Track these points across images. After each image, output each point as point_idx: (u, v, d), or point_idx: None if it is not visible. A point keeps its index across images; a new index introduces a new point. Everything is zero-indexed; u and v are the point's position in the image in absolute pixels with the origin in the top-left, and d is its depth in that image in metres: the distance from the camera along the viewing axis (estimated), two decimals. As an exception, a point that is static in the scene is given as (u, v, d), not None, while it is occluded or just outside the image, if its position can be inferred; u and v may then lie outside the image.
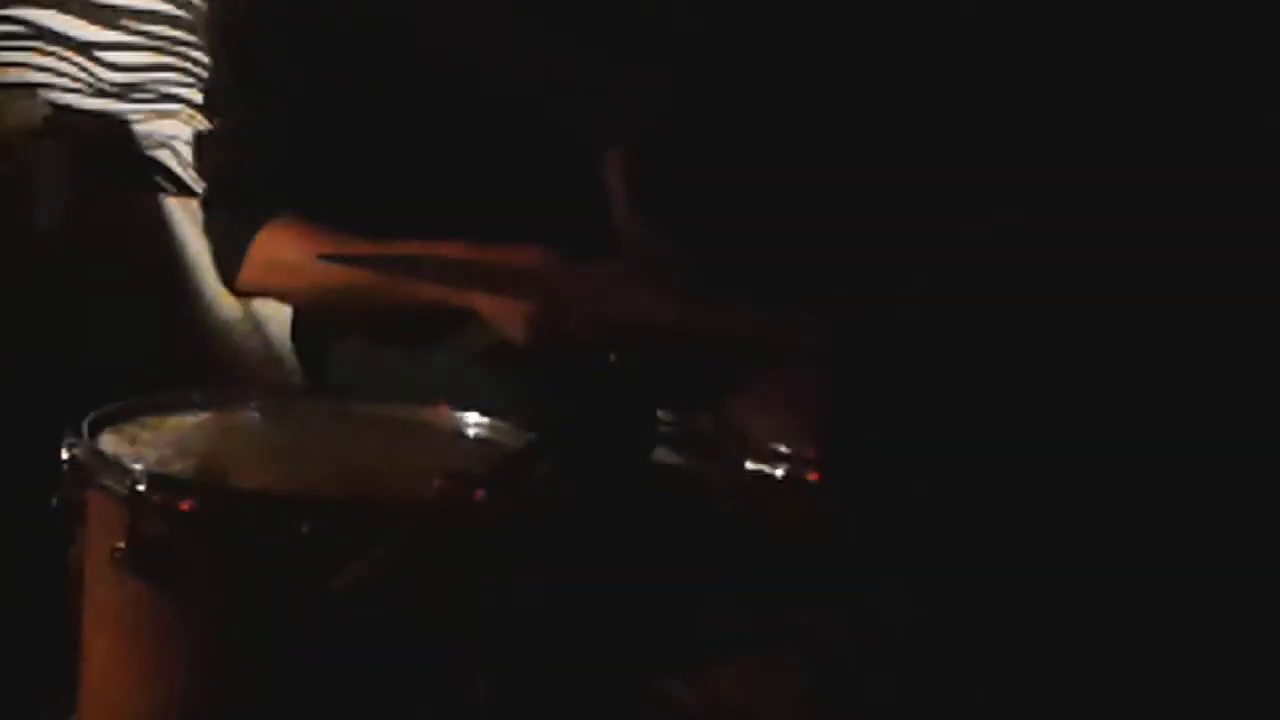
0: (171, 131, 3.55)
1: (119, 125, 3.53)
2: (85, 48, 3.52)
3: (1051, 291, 1.40)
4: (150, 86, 3.51)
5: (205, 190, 2.66)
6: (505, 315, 2.35)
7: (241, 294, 2.64)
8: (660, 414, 2.24)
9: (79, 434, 2.12)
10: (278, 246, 2.53)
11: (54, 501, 2.10)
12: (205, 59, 2.96)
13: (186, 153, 3.50)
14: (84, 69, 3.52)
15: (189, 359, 3.35)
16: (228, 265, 2.57)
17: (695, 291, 2.23)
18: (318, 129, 2.54)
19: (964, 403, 1.42)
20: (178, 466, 2.09)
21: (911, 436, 1.45)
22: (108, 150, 3.52)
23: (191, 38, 3.48)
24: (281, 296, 2.66)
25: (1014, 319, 1.40)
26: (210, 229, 2.63)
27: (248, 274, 2.56)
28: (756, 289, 2.16)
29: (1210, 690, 1.51)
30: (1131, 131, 1.31)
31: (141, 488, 2.01)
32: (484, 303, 2.37)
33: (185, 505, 2.01)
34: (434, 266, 2.31)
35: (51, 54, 3.54)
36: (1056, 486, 1.41)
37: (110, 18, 3.55)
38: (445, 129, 2.57)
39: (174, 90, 3.51)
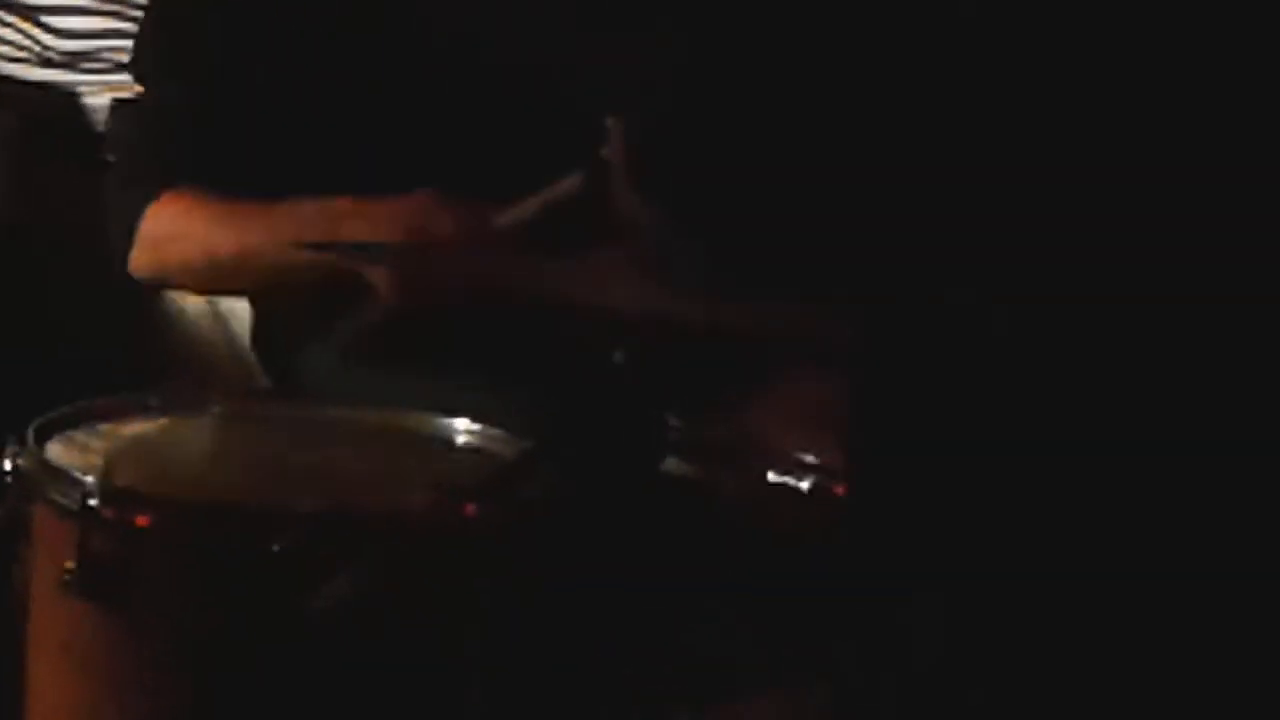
0: (124, 105, 3.50)
1: (67, 97, 3.48)
2: (31, 12, 3.47)
3: (1078, 291, 1.47)
4: (103, 55, 3.48)
5: (112, 159, 2.61)
6: (378, 274, 2.31)
7: (144, 279, 2.55)
8: (670, 420, 2.19)
9: (23, 442, 2.06)
10: (169, 220, 2.46)
11: (-6, 517, 2.07)
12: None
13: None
14: (28, 35, 3.51)
15: (145, 354, 3.33)
16: (120, 245, 2.50)
17: (705, 285, 2.19)
18: (269, 103, 2.47)
19: (997, 407, 1.42)
20: (134, 478, 2.01)
21: (941, 443, 1.43)
22: (56, 125, 3.47)
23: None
24: (180, 280, 2.58)
25: (1045, 320, 1.46)
26: (109, 204, 2.56)
27: (141, 254, 2.48)
28: (772, 285, 2.11)
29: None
30: (1132, 131, 1.30)
31: (93, 502, 1.95)
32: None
33: (142, 520, 1.96)
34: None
35: (-6, 20, 3.49)
36: (1093, 492, 1.43)
37: (58, -21, 3.61)
38: (433, 107, 2.51)
39: (127, 59, 3.46)
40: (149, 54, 2.59)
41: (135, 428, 2.20)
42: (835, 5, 2.14)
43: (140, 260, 2.47)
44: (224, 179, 2.44)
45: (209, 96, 2.48)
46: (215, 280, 2.54)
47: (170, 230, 2.45)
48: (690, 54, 2.54)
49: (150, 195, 2.45)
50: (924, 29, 1.54)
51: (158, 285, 2.64)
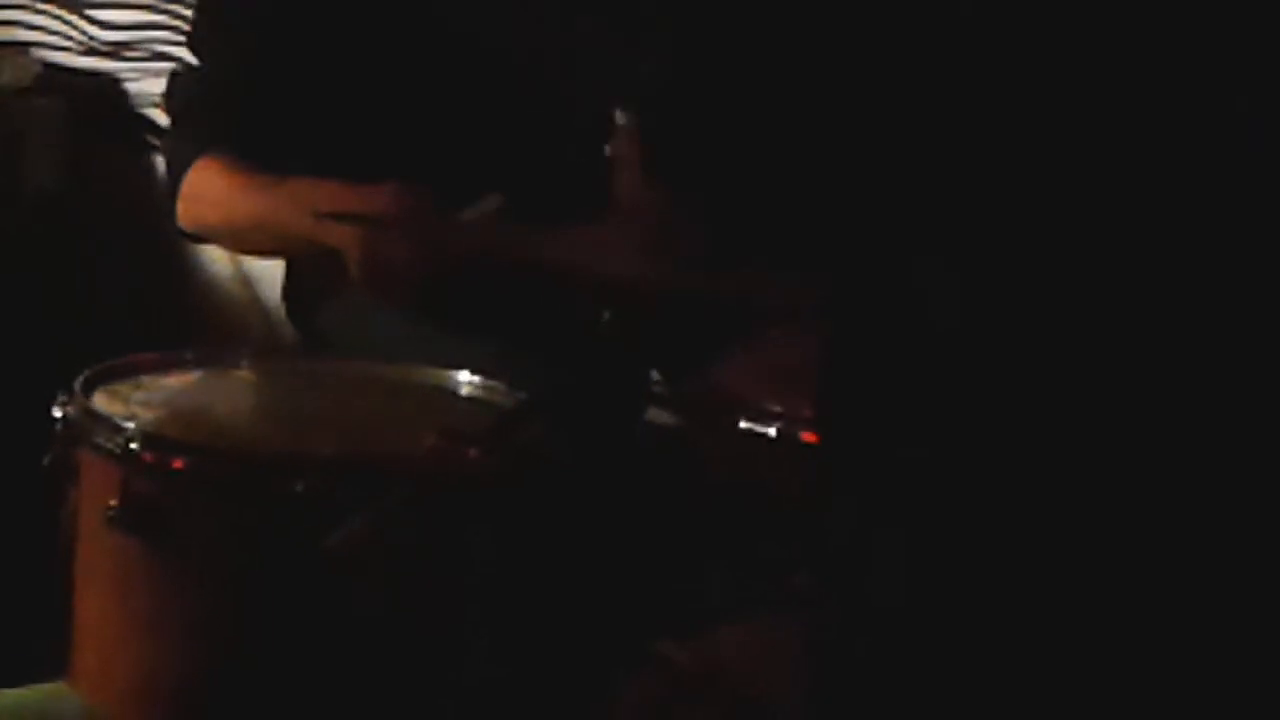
0: (163, 90, 3.51)
1: (111, 83, 3.50)
2: (76, 6, 3.49)
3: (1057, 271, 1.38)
4: (141, 45, 3.48)
5: (168, 128, 2.67)
6: (349, 249, 2.35)
7: (188, 235, 2.63)
8: (653, 374, 2.21)
9: (72, 393, 2.09)
10: (201, 182, 2.52)
11: (46, 460, 2.08)
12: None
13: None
14: (75, 27, 3.51)
15: (182, 317, 3.35)
16: (169, 200, 2.57)
17: (702, 256, 2.16)
18: (298, 83, 2.53)
19: (970, 371, 1.41)
20: (171, 426, 2.08)
21: (913, 401, 1.43)
22: (100, 109, 3.49)
23: (183, -5, 3.47)
24: (210, 237, 2.65)
25: (1021, 293, 1.38)
26: (165, 168, 2.63)
27: (183, 209, 2.55)
28: (759, 255, 2.13)
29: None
30: (1130, 130, 1.29)
31: (135, 446, 1.99)
32: (338, 238, 2.37)
33: (178, 464, 2.00)
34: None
35: (43, 12, 3.52)
36: (1062, 455, 1.37)
37: (101, -24, 3.53)
38: (438, 90, 2.56)
39: (165, 49, 3.49)
40: (203, 30, 2.63)
41: (172, 381, 2.24)
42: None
43: (181, 215, 2.54)
44: (259, 147, 2.49)
45: (251, 72, 2.53)
46: (233, 240, 2.63)
47: (202, 192, 2.51)
48: (684, 39, 2.59)
49: (192, 158, 2.51)
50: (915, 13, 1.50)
51: (198, 239, 2.68)
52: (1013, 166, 1.35)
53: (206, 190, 2.51)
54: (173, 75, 2.69)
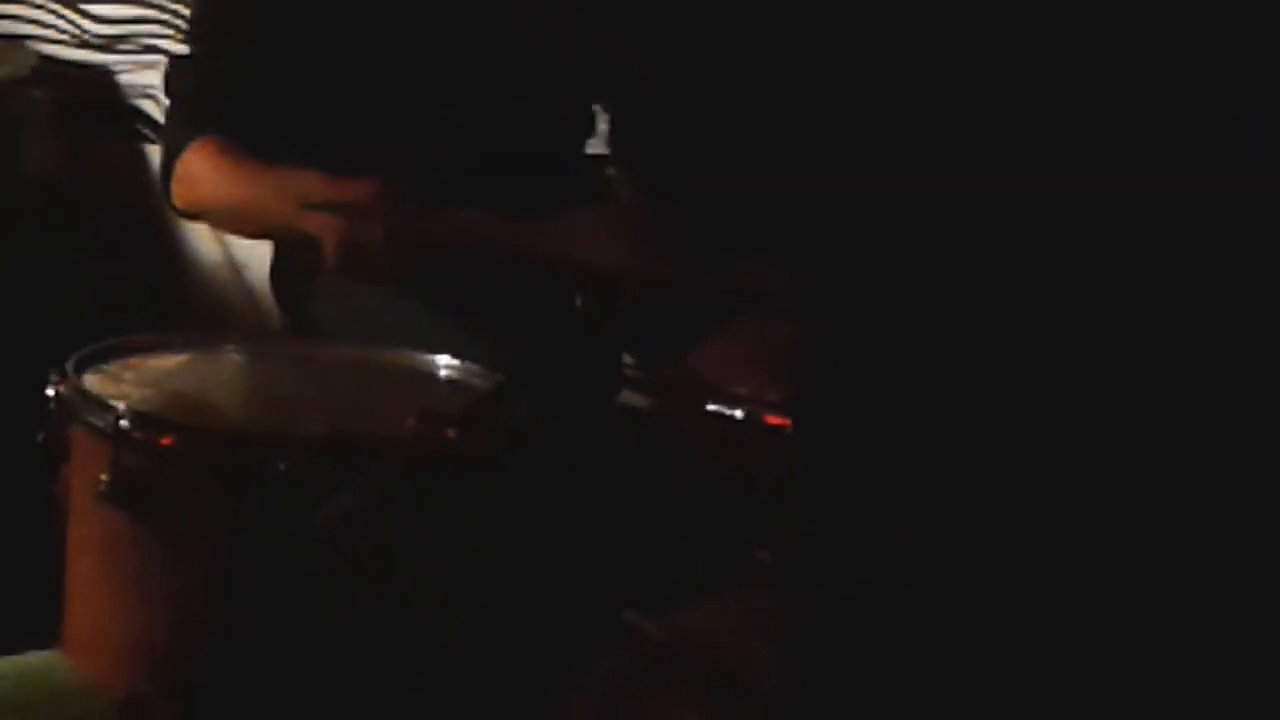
0: (154, 82, 3.52)
1: (104, 76, 3.51)
2: (71, 1, 3.50)
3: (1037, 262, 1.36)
4: (134, 38, 3.49)
5: (166, 111, 2.67)
6: (324, 235, 2.35)
7: (183, 214, 2.63)
8: (625, 358, 2.21)
9: (64, 373, 2.11)
10: (195, 165, 2.53)
11: (40, 437, 2.09)
12: (188, 12, 2.95)
13: (169, 103, 3.50)
14: (70, 21, 3.51)
15: (171, 301, 3.35)
16: (164, 181, 2.58)
17: (676, 246, 2.19)
18: (294, 73, 2.55)
19: (948, 359, 1.40)
20: (159, 405, 2.08)
21: (886, 387, 1.42)
22: (93, 100, 3.50)
23: (174, -10, 3.47)
24: (203, 218, 2.66)
25: (995, 281, 1.37)
26: (160, 150, 2.63)
27: (178, 190, 2.56)
28: (734, 243, 2.13)
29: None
30: (1128, 129, 1.28)
31: (124, 424, 2.00)
32: (313, 225, 2.37)
33: (166, 441, 2.01)
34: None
35: (39, 6, 3.53)
36: (1032, 440, 1.37)
37: (95, -29, 3.54)
38: (426, 83, 2.57)
39: (157, 42, 3.50)
40: (202, 19, 2.64)
41: (161, 362, 2.24)
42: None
43: (175, 195, 2.55)
44: (253, 134, 2.51)
45: (248, 60, 2.54)
46: (222, 222, 2.65)
47: (194, 175, 2.51)
48: (669, 37, 2.58)
49: (188, 141, 2.52)
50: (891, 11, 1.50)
51: (190, 217, 2.67)
52: (998, 155, 1.35)
53: (199, 173, 2.52)
54: (172, 61, 2.69)
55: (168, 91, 2.64)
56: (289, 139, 2.51)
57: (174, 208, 2.59)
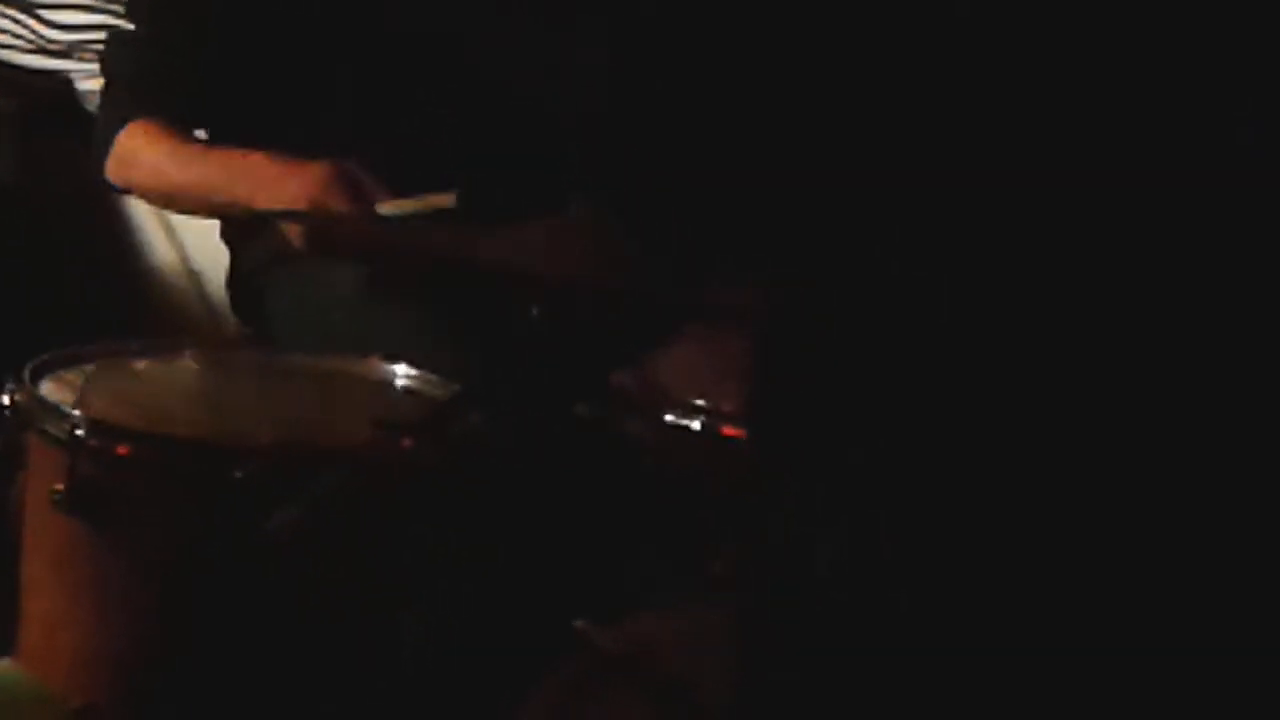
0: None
1: (62, 83, 3.49)
2: (28, 7, 3.48)
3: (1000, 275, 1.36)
4: (92, 45, 3.47)
5: (103, 82, 2.69)
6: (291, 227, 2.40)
7: (114, 187, 2.65)
8: (583, 368, 2.21)
9: (21, 380, 2.10)
10: (133, 144, 2.56)
11: (-6, 444, 2.08)
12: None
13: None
14: (28, 28, 3.49)
15: (129, 308, 3.34)
16: (97, 154, 2.60)
17: (632, 258, 2.23)
18: (236, 56, 2.57)
19: (902, 370, 1.39)
20: (115, 413, 2.07)
21: (845, 400, 1.41)
22: (51, 107, 3.48)
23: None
24: (140, 195, 2.68)
25: (957, 291, 1.36)
26: (96, 120, 2.66)
27: (113, 168, 2.59)
28: (693, 255, 2.13)
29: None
30: (1128, 129, 1.27)
31: (80, 432, 2.00)
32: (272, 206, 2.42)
33: (122, 450, 2.01)
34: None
35: (-3, 13, 3.51)
36: (989, 451, 1.35)
37: (52, -23, 3.52)
38: (376, 81, 2.58)
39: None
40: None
41: (118, 370, 2.24)
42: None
43: (112, 172, 2.58)
44: (193, 115, 2.56)
45: (189, 40, 2.56)
46: (164, 202, 2.66)
47: (134, 154, 2.55)
48: (621, 45, 2.51)
49: (126, 119, 2.56)
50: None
51: (123, 192, 2.70)
52: (997, 156, 1.34)
53: (138, 152, 2.55)
54: (111, 36, 2.71)
55: (103, 68, 2.67)
56: (230, 123, 2.54)
57: (105, 181, 2.62)
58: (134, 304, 3.34)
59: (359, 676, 2.03)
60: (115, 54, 2.66)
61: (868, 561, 1.39)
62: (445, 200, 2.34)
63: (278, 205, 2.40)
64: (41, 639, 2.08)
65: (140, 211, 3.37)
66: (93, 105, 3.40)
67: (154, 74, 2.57)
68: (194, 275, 3.27)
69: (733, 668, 1.52)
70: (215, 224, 2.70)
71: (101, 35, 3.41)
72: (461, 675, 2.09)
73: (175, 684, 2.00)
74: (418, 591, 2.07)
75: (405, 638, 2.06)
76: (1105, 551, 1.32)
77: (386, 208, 2.38)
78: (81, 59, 3.46)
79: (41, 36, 3.47)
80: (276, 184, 2.41)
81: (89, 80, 3.44)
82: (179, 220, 3.27)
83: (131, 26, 2.65)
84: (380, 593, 2.05)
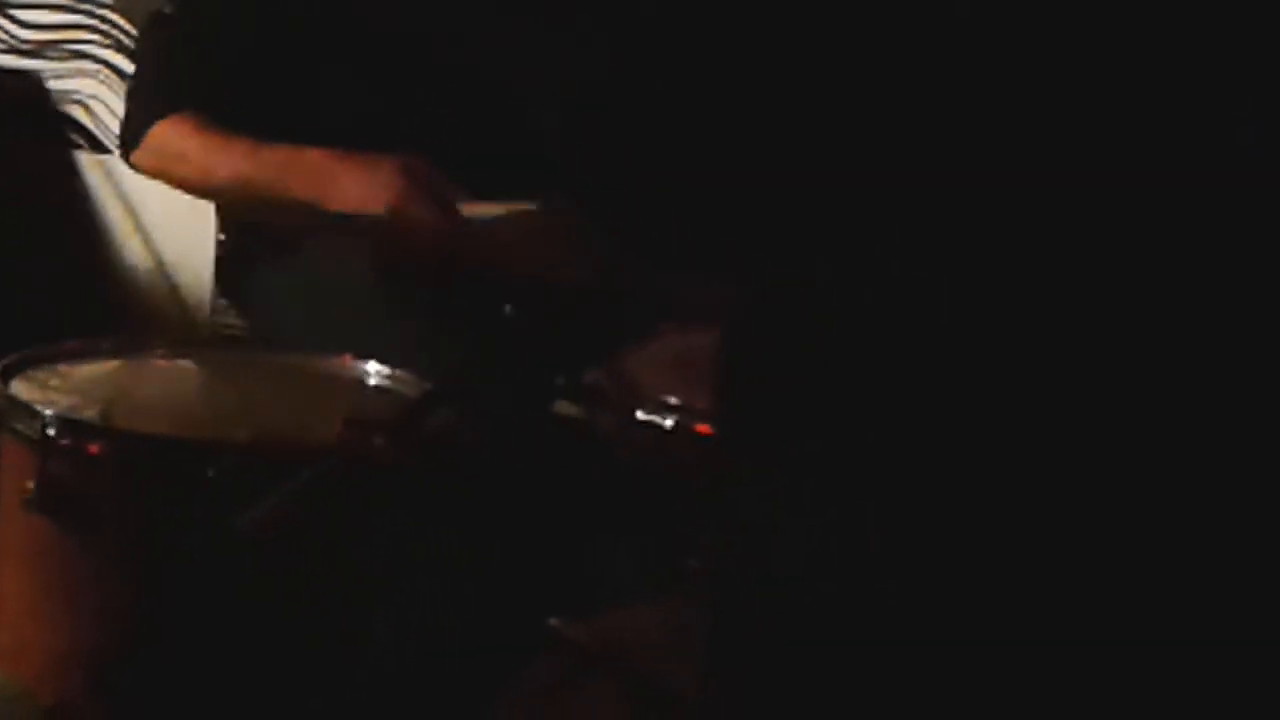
0: (83, 88, 3.51)
1: (34, 82, 3.49)
2: (0, 6, 3.48)
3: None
4: (63, 45, 3.48)
5: (137, 63, 2.67)
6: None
7: (138, 171, 2.62)
8: (556, 365, 2.18)
9: None
10: (174, 137, 2.53)
11: (-36, 445, 2.06)
12: (117, 19, 2.94)
13: (98, 110, 3.50)
14: None
15: (101, 306, 3.33)
16: (129, 141, 2.58)
17: (606, 255, 2.24)
18: (273, 54, 2.55)
19: (872, 368, 1.38)
20: (87, 412, 2.06)
21: (813, 397, 1.40)
22: (22, 106, 3.48)
23: (105, -1, 3.46)
24: (178, 187, 2.63)
25: (930, 291, 1.36)
26: (128, 100, 2.63)
27: (143, 156, 2.56)
28: (672, 253, 2.13)
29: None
30: (1128, 129, 1.27)
31: (51, 432, 1.99)
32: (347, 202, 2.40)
33: (94, 449, 2.01)
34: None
35: (-33, 12, 3.51)
36: (958, 448, 1.35)
37: (23, -24, 3.52)
38: (382, 76, 2.57)
39: (86, 49, 3.49)
40: None
41: (90, 368, 2.22)
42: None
43: (144, 162, 2.56)
44: (232, 108, 2.52)
45: (236, 31, 2.54)
46: (208, 196, 2.64)
47: (175, 147, 2.52)
48: (621, 45, 2.51)
49: (164, 111, 2.52)
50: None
51: (150, 176, 2.66)
52: (996, 156, 1.33)
53: (180, 146, 2.52)
54: (150, 20, 2.69)
55: (139, 52, 2.65)
56: (266, 120, 2.51)
57: (130, 164, 2.59)
58: (106, 302, 3.34)
59: (333, 675, 2.02)
60: (155, 41, 2.64)
61: (849, 555, 1.38)
62: (527, 207, 2.34)
63: (350, 207, 2.39)
64: (13, 638, 2.07)
65: (111, 211, 3.37)
66: (64, 104, 3.40)
67: (193, 65, 2.55)
68: (167, 273, 3.27)
69: (708, 664, 1.52)
70: (186, 223, 2.69)
71: (73, 34, 3.43)
72: (436, 673, 2.09)
73: (147, 683, 2.00)
74: (392, 590, 2.07)
75: (379, 636, 2.06)
76: (1091, 545, 1.32)
77: (473, 212, 2.37)
78: (52, 59, 3.45)
79: (12, 35, 3.47)
80: (344, 183, 2.40)
81: (61, 80, 3.44)
82: (150, 219, 3.27)
83: (169, 11, 2.63)
84: (354, 591, 2.04)
